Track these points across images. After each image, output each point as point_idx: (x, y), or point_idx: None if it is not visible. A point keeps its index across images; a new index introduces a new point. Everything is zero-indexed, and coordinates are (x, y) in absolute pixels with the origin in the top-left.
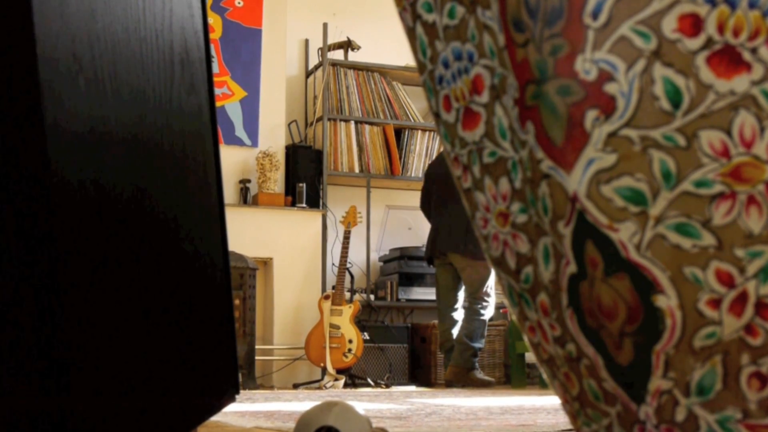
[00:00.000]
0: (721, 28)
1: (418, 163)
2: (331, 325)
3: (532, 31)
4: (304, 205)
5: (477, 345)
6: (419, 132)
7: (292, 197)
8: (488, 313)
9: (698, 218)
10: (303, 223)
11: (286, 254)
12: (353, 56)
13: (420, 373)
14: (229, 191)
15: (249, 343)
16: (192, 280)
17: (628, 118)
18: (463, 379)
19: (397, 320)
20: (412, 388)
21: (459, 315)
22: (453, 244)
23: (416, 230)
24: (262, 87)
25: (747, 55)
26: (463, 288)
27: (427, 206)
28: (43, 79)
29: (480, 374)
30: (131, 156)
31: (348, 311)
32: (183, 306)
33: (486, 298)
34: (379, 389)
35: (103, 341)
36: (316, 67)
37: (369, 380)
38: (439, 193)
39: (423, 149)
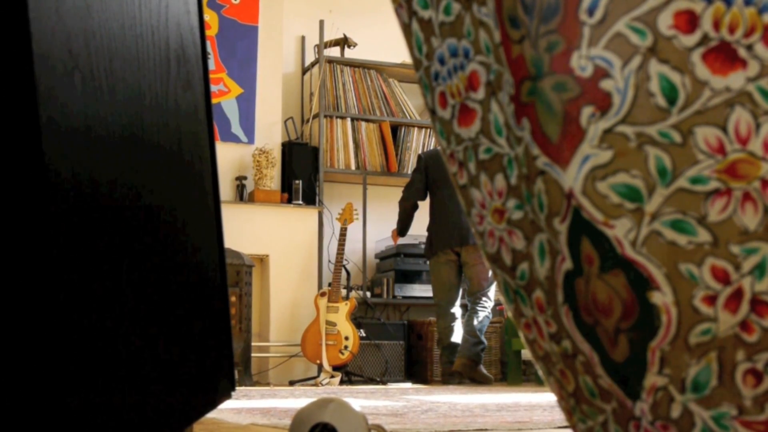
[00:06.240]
0: (716, 25)
1: (414, 160)
2: (328, 322)
3: (528, 27)
4: (300, 202)
5: (484, 340)
6: (415, 129)
7: (288, 194)
8: (489, 308)
9: (694, 215)
10: (299, 220)
11: (282, 251)
12: (349, 53)
13: (416, 370)
14: (226, 188)
15: (245, 340)
16: (188, 277)
17: (623, 115)
18: (471, 371)
19: (393, 317)
20: (408, 385)
21: (458, 312)
22: (468, 238)
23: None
24: (259, 84)
25: (743, 52)
26: (462, 285)
27: (419, 191)
28: (38, 75)
29: (484, 370)
30: (127, 153)
31: (344, 308)
32: (179, 303)
33: (490, 294)
34: (375, 386)
35: (98, 339)
36: (313, 64)
37: (365, 376)
38: (442, 188)
39: (419, 146)
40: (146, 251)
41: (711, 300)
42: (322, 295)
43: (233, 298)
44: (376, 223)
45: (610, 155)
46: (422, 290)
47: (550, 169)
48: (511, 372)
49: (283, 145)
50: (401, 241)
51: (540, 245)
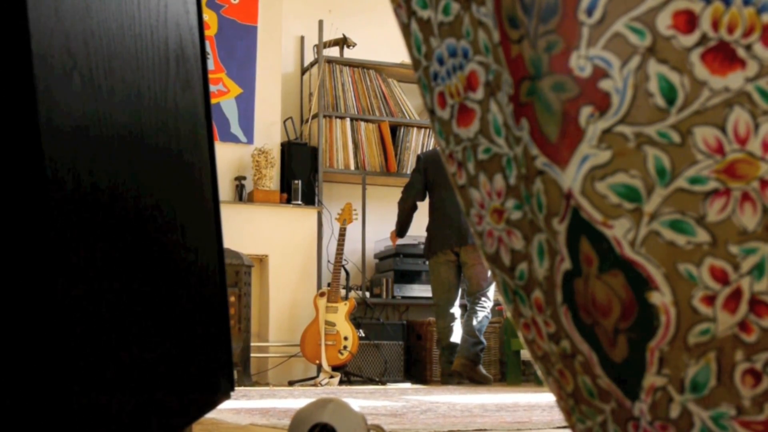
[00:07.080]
0: (715, 25)
1: (413, 160)
2: (327, 323)
3: (527, 27)
4: (299, 202)
5: (484, 340)
6: (415, 129)
7: (287, 194)
8: (488, 308)
9: (693, 215)
10: (298, 220)
11: (281, 251)
12: (349, 53)
13: (415, 371)
14: (225, 188)
15: (244, 340)
16: (187, 277)
17: (622, 115)
18: (470, 371)
19: (392, 317)
20: (408, 385)
21: (457, 312)
22: (466, 238)
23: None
24: (258, 84)
25: (741, 52)
26: (461, 285)
27: (418, 192)
28: (37, 75)
29: (483, 370)
30: (126, 153)
31: (343, 308)
32: (178, 303)
33: (489, 294)
34: (374, 386)
35: (97, 339)
36: (312, 64)
37: (364, 376)
38: (441, 188)
39: (418, 146)
40: (145, 251)
41: (710, 300)
42: (322, 295)
43: (232, 298)
44: (375, 224)
45: (609, 155)
46: (421, 290)
47: (548, 169)
48: (510, 372)
49: (283, 145)
50: (400, 241)
51: (539, 245)
